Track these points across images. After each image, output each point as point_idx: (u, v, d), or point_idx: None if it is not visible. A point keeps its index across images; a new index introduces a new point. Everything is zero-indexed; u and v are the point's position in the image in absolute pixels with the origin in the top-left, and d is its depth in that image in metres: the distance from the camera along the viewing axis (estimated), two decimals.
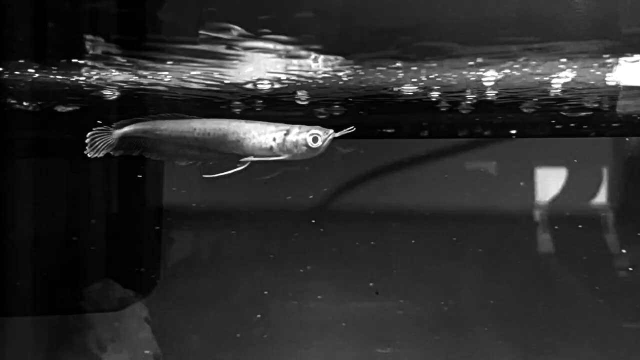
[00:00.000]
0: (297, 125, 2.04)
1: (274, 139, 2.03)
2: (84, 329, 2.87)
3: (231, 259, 3.04)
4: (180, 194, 2.96)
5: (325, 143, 2.01)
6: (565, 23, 2.05)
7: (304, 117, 2.52)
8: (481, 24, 2.07)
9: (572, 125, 2.57)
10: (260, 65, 2.24)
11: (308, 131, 2.02)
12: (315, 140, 2.01)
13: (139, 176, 2.82)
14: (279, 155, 2.03)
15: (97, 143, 2.02)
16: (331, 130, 2.02)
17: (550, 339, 2.93)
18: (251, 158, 2.03)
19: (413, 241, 2.93)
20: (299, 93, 2.39)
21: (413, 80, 2.28)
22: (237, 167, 2.04)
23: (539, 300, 2.95)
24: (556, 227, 2.92)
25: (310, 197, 2.96)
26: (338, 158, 2.84)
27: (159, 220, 2.99)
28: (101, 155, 2.02)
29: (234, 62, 2.21)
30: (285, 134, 2.03)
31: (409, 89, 2.34)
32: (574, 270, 2.93)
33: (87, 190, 2.89)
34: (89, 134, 2.00)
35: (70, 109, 2.51)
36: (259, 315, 2.96)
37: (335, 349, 2.96)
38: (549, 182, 2.94)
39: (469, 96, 2.37)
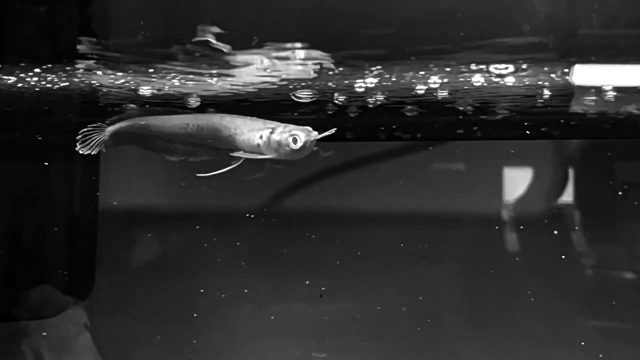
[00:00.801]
0: (283, 125, 2.01)
1: (261, 137, 2.01)
2: (19, 336, 2.76)
3: (169, 260, 2.98)
4: (115, 196, 2.88)
5: (308, 145, 1.98)
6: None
7: None
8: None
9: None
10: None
11: (290, 131, 1.98)
12: (295, 141, 1.97)
13: (45, 164, 2.71)
14: (266, 154, 2.01)
15: (89, 140, 2.03)
16: (315, 132, 1.98)
17: (511, 337, 2.88)
18: (241, 154, 2.01)
19: (359, 249, 2.88)
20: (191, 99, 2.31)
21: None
22: (231, 164, 2.01)
23: (492, 299, 2.90)
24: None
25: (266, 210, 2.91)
26: (319, 160, 2.77)
27: (94, 223, 2.89)
28: (94, 152, 2.03)
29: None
30: (271, 133, 2.00)
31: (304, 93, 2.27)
32: (534, 269, 2.89)
33: (20, 196, 2.81)
34: (81, 131, 2.01)
35: None
36: (195, 314, 2.90)
37: (271, 352, 2.91)
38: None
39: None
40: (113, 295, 2.88)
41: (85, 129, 2.02)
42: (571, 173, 2.91)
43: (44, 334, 2.77)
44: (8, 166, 2.78)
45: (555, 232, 2.86)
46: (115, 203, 2.89)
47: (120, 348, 2.89)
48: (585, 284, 2.88)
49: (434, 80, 2.17)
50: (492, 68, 2.09)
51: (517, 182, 2.92)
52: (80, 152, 2.03)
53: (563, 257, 2.85)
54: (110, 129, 2.05)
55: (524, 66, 2.09)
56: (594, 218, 2.89)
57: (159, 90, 2.23)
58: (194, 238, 2.95)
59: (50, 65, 2.15)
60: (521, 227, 2.88)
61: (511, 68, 2.09)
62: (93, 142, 2.03)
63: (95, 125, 2.03)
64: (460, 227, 2.88)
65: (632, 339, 2.80)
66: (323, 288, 2.87)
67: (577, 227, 2.87)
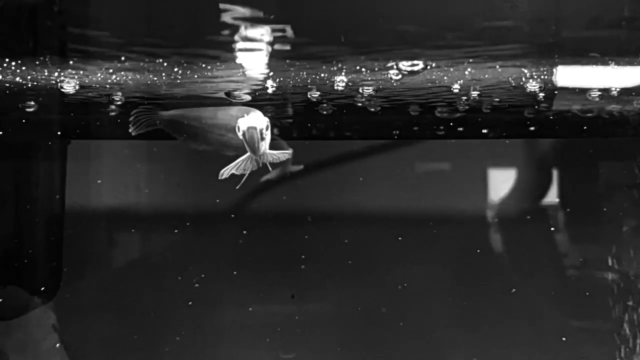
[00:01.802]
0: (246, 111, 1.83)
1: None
2: None
3: (139, 261, 2.92)
4: (82, 196, 2.82)
5: (249, 136, 1.77)
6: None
7: None
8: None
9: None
10: None
11: (237, 118, 1.81)
12: (238, 129, 1.80)
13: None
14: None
15: (140, 120, 1.96)
16: (262, 124, 1.79)
17: (494, 337, 2.84)
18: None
19: (342, 245, 2.80)
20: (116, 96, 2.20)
21: None
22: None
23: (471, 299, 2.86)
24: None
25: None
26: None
27: (60, 223, 2.82)
28: (142, 131, 1.96)
29: None
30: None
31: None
32: (517, 269, 2.86)
33: None
34: (134, 111, 1.95)
35: None
36: (163, 315, 2.85)
37: (237, 353, 2.85)
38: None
39: None
40: (80, 295, 2.81)
41: (137, 110, 1.96)
42: (554, 173, 2.87)
43: (10, 335, 2.70)
44: None
45: (539, 231, 2.82)
46: (82, 202, 2.82)
47: (89, 349, 2.84)
48: (569, 283, 2.85)
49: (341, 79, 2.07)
50: (401, 65, 1.98)
51: (500, 181, 2.86)
52: (132, 132, 1.96)
53: (547, 257, 2.83)
54: (165, 114, 1.97)
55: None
56: (578, 218, 2.84)
57: (82, 87, 2.12)
58: (164, 238, 2.89)
59: None
60: (504, 226, 2.83)
61: (420, 65, 1.98)
62: (144, 122, 1.96)
63: (148, 107, 1.97)
64: (442, 227, 2.81)
65: (613, 339, 2.75)
66: (292, 294, 2.81)
67: (560, 227, 2.83)
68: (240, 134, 1.80)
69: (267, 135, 1.82)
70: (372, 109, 2.26)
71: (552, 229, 2.84)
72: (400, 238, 2.77)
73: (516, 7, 1.85)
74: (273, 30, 1.85)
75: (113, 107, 2.23)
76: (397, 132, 2.62)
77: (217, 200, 2.78)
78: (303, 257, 2.78)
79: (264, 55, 1.95)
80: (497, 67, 2.00)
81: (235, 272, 2.80)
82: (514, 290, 2.79)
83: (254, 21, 1.81)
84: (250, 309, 2.83)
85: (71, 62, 2.00)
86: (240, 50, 1.95)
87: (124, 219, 2.87)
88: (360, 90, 2.12)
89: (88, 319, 2.80)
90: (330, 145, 2.81)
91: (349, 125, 2.58)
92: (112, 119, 2.41)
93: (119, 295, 2.84)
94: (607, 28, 1.92)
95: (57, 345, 2.77)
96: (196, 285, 2.79)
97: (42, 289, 2.77)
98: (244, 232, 2.78)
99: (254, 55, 1.94)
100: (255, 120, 1.78)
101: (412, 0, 1.82)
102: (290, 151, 1.94)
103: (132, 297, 2.84)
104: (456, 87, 2.12)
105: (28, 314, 2.74)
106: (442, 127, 2.51)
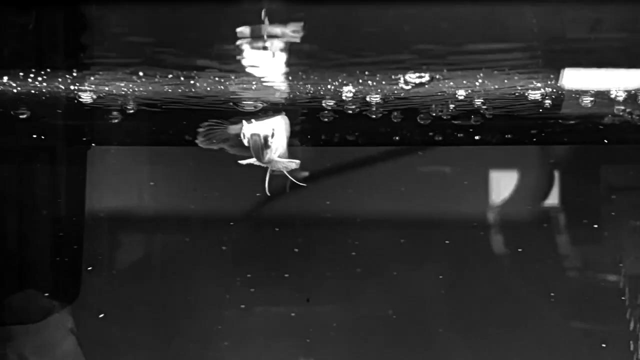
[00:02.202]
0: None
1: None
2: (4, 341, 2.73)
3: (157, 265, 2.95)
4: (103, 199, 2.85)
5: (253, 143, 1.76)
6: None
7: None
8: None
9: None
10: None
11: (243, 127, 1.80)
12: (243, 136, 1.80)
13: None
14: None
15: (211, 135, 1.90)
16: (268, 131, 1.77)
17: (499, 340, 2.85)
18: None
19: (353, 250, 2.83)
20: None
21: None
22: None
23: (480, 300, 2.86)
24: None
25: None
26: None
27: (81, 227, 2.86)
28: (214, 148, 1.91)
29: None
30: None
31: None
32: (520, 271, 2.86)
33: (4, 198, 2.78)
34: (204, 124, 1.89)
35: None
36: (182, 318, 2.88)
37: (257, 356, 2.87)
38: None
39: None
40: (100, 299, 2.85)
41: (207, 123, 1.90)
42: (556, 177, 2.86)
43: (29, 338, 2.74)
44: None
45: (540, 235, 2.82)
46: (102, 206, 2.85)
47: (107, 352, 2.87)
48: (570, 286, 2.84)
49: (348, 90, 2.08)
50: (408, 77, 1.98)
51: (502, 185, 2.87)
52: (200, 145, 1.91)
53: (548, 259, 2.83)
54: (234, 127, 1.89)
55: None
56: (579, 221, 2.84)
57: (98, 96, 2.13)
58: (182, 242, 2.91)
59: None
60: (507, 230, 2.84)
61: (427, 77, 1.99)
62: (214, 137, 1.91)
63: (218, 121, 1.90)
64: (447, 231, 2.82)
65: (613, 341, 2.77)
66: (308, 298, 2.83)
67: (561, 230, 2.83)
68: (245, 141, 1.79)
69: (273, 143, 1.80)
70: (374, 116, 2.28)
71: (561, 233, 2.84)
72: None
73: (522, 16, 1.86)
74: (283, 40, 1.87)
75: (125, 115, 2.25)
76: (407, 138, 2.64)
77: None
78: (316, 260, 2.82)
79: (273, 65, 1.97)
80: (505, 79, 2.01)
81: (253, 275, 2.83)
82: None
83: (264, 32, 1.83)
84: (269, 312, 2.86)
85: (86, 75, 2.02)
86: (250, 60, 1.96)
87: (142, 223, 2.91)
88: (368, 99, 2.13)
89: (106, 322, 2.84)
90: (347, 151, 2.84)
91: (358, 131, 2.60)
92: (129, 126, 2.44)
93: (136, 298, 2.87)
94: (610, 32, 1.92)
95: (75, 348, 2.81)
96: (215, 288, 2.81)
97: (62, 293, 2.80)
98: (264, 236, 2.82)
99: (264, 65, 1.96)
100: (259, 128, 1.78)
101: (418, 13, 1.83)
102: (297, 161, 1.93)
103: (150, 299, 2.87)
104: (461, 95, 2.14)
105: (48, 318, 2.77)
106: (455, 133, 2.54)
